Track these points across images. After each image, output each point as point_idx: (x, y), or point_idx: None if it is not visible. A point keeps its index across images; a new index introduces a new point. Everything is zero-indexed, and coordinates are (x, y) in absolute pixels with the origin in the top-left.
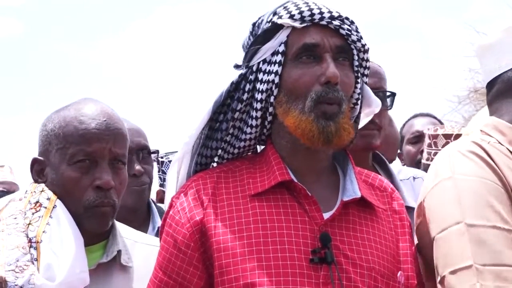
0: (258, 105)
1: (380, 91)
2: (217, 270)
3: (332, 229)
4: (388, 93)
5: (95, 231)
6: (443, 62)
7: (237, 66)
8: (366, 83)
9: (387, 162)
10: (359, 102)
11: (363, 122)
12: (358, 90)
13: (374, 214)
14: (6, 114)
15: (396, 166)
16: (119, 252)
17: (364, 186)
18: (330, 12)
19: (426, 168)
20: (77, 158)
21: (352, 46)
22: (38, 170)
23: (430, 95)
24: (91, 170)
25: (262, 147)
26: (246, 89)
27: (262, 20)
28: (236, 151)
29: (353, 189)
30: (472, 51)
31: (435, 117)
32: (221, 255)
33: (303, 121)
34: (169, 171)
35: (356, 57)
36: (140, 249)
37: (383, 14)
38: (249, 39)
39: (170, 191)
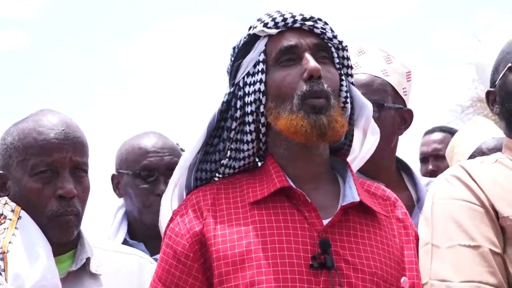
0: (250, 118)
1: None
2: (216, 279)
3: (332, 235)
4: (373, 103)
5: (60, 241)
6: (446, 71)
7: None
8: (352, 83)
9: (413, 170)
10: (348, 101)
11: (373, 141)
12: (344, 88)
13: (376, 220)
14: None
15: (425, 178)
16: (88, 259)
17: (366, 195)
18: (301, 14)
19: None
20: (38, 169)
21: (330, 44)
22: (0, 184)
23: (433, 105)
24: (53, 180)
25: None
26: (238, 106)
27: (241, 41)
28: (236, 171)
29: (351, 194)
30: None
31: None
32: (221, 264)
33: (293, 119)
34: (164, 194)
35: (335, 55)
36: (109, 257)
37: (387, 23)
38: (231, 61)
39: (164, 212)
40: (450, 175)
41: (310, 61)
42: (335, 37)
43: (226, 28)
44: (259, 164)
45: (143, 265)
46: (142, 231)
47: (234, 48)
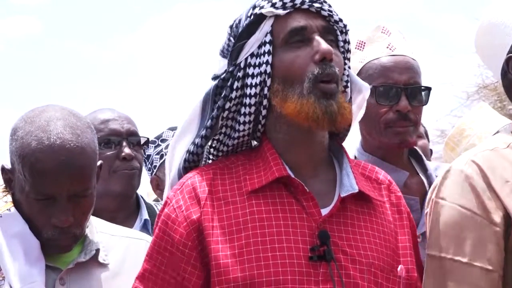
0: (252, 100)
1: (415, 87)
2: (214, 270)
3: (330, 225)
4: (423, 88)
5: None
6: (453, 58)
7: (215, 78)
8: (349, 67)
9: (424, 158)
10: (348, 85)
11: (360, 114)
12: (346, 72)
13: (372, 207)
14: (24, 111)
15: (433, 162)
16: (97, 251)
17: (361, 179)
18: None
19: None
20: (32, 197)
21: (335, 27)
22: (7, 178)
23: (439, 91)
24: (49, 206)
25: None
26: (235, 87)
27: (240, 20)
28: (230, 148)
29: (350, 183)
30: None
31: None
32: (219, 255)
33: (304, 104)
34: (166, 174)
35: (340, 38)
36: (116, 242)
37: (395, 11)
38: (229, 41)
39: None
40: (459, 170)
41: (322, 43)
42: (340, 20)
43: (236, 14)
44: (254, 142)
45: None
46: (106, 205)
47: (231, 27)
